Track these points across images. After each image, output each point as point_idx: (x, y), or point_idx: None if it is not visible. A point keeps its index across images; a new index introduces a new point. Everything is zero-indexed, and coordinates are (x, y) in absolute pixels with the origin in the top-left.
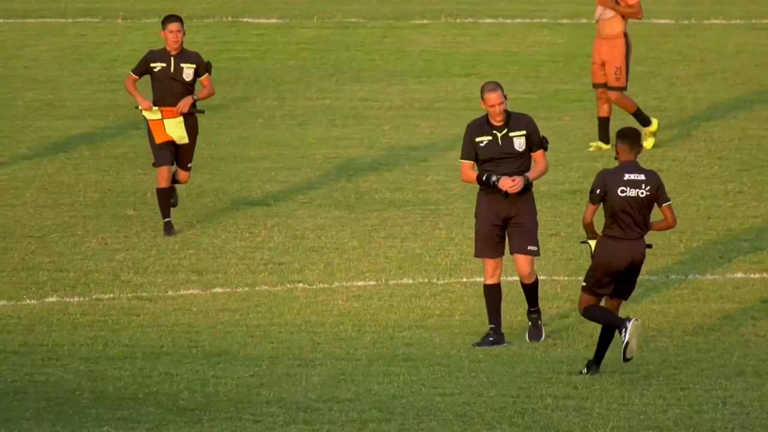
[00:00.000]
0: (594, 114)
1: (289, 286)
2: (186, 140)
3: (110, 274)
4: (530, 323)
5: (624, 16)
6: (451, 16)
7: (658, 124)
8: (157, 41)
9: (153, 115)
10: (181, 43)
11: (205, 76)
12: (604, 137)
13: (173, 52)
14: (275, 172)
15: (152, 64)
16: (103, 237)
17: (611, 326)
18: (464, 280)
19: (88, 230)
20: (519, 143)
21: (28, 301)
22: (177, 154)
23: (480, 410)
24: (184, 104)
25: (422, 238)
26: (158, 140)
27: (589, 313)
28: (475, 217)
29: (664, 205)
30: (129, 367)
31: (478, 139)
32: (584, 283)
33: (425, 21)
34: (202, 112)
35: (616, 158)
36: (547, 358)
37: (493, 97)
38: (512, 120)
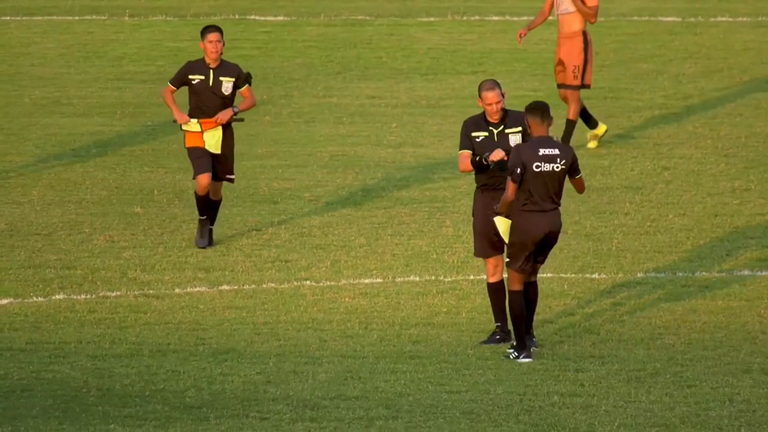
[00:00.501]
0: (600, 112)
1: (295, 283)
2: (218, 150)
3: (117, 272)
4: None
5: (580, 13)
6: (457, 13)
7: (606, 129)
8: (163, 38)
9: (191, 127)
10: (221, 53)
11: (245, 87)
12: (592, 124)
13: (212, 64)
14: (282, 170)
15: (191, 76)
16: (110, 234)
17: (519, 332)
18: (471, 277)
19: (95, 228)
20: (514, 140)
21: (35, 298)
22: (214, 167)
23: (487, 407)
24: (224, 115)
25: (429, 235)
26: (188, 144)
27: (515, 302)
28: (473, 216)
29: (576, 177)
30: (136, 364)
31: (474, 134)
32: (508, 260)
33: (432, 18)
34: (242, 119)
35: (528, 133)
36: (554, 356)
37: (490, 95)
38: (509, 117)
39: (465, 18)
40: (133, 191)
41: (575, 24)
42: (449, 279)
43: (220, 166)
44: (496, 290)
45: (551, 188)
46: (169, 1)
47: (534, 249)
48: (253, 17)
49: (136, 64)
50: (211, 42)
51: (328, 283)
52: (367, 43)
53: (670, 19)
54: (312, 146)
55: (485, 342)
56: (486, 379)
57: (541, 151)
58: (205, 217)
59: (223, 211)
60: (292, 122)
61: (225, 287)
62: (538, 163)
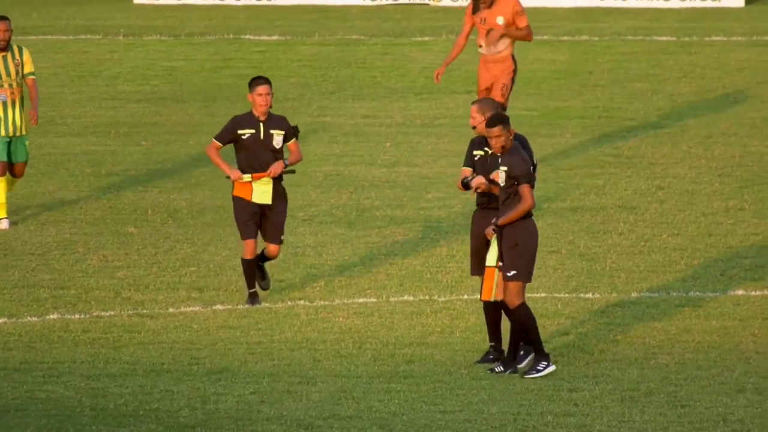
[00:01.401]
0: (595, 131)
1: (289, 303)
2: (269, 201)
3: (111, 292)
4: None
5: (514, 39)
6: (452, 33)
7: None
8: (158, 58)
9: (244, 180)
10: (270, 106)
11: (292, 141)
12: None
13: (262, 117)
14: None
15: (240, 131)
16: (104, 254)
17: (536, 346)
18: (465, 297)
19: (89, 247)
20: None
21: (29, 318)
22: (263, 227)
23: (481, 427)
24: (276, 168)
25: (423, 255)
26: (236, 192)
27: (527, 314)
28: (471, 234)
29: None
30: (130, 384)
31: (474, 153)
32: (515, 272)
33: (426, 38)
34: (294, 171)
35: (493, 147)
36: (548, 375)
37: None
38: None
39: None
40: (127, 211)
41: (506, 49)
42: (443, 299)
43: (270, 225)
44: (492, 309)
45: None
46: (164, 21)
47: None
48: (247, 37)
49: (131, 84)
50: (260, 95)
51: (322, 302)
52: (361, 63)
53: (664, 38)
54: (306, 165)
55: (479, 362)
56: (480, 398)
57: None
58: (254, 290)
59: (216, 231)
60: None
61: (219, 307)
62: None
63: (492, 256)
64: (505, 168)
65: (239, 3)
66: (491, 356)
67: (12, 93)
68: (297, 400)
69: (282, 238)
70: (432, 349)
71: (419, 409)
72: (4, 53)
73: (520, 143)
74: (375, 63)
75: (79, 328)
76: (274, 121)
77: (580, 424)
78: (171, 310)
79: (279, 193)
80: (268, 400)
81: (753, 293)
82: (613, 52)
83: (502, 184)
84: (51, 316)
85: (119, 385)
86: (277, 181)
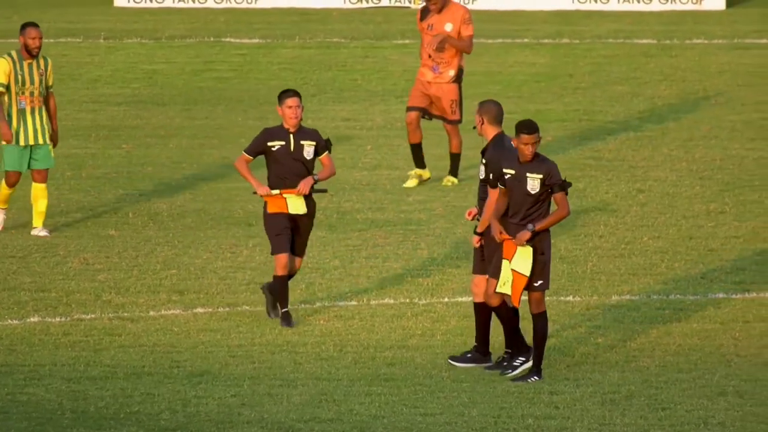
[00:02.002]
0: (575, 134)
1: None
2: (304, 209)
3: (92, 294)
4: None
5: (457, 50)
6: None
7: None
8: (138, 61)
9: (273, 194)
10: (300, 119)
11: (324, 154)
12: (420, 164)
13: (292, 129)
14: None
15: (270, 143)
16: (85, 257)
17: (540, 351)
18: (446, 300)
19: (70, 250)
20: (480, 171)
21: (9, 321)
22: (294, 239)
23: (461, 430)
24: (305, 185)
25: (404, 258)
26: (271, 209)
27: (545, 323)
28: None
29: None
30: (110, 387)
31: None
32: (542, 281)
33: (407, 41)
34: (325, 190)
35: (526, 154)
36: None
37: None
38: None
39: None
40: (107, 214)
41: (453, 73)
42: (424, 301)
43: (300, 239)
44: (484, 311)
45: None
46: (144, 24)
47: None
48: (228, 40)
49: (111, 87)
50: (290, 107)
51: (302, 305)
52: (342, 66)
53: (645, 41)
54: None
55: (457, 360)
56: (460, 401)
57: None
58: (287, 309)
59: (197, 234)
60: None
61: (199, 310)
62: None
63: (526, 264)
64: (540, 176)
65: (219, 6)
66: (469, 355)
67: (32, 101)
68: (278, 403)
69: (303, 258)
70: (412, 352)
71: (400, 411)
72: (30, 61)
73: (488, 152)
74: (356, 66)
75: (60, 331)
76: (304, 133)
77: (560, 427)
78: (152, 313)
79: (309, 211)
80: (249, 403)
81: (734, 296)
82: (593, 56)
83: (533, 192)
84: (31, 319)
85: (100, 388)
86: (308, 197)
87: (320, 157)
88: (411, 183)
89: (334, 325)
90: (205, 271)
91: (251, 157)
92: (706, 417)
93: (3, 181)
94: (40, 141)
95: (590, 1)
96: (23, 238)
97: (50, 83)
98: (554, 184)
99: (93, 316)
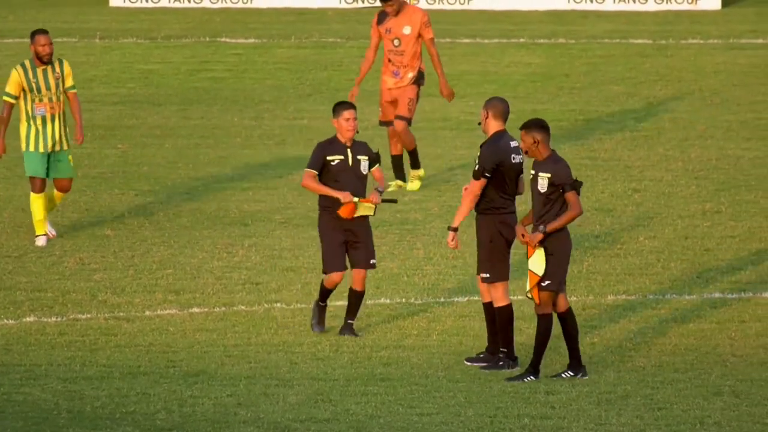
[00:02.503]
0: (571, 134)
1: (266, 305)
2: (373, 212)
3: (88, 294)
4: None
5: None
6: None
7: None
8: (134, 60)
9: (354, 201)
10: (356, 131)
11: (376, 167)
12: (400, 175)
13: (348, 143)
14: (253, 192)
15: (329, 157)
16: (81, 257)
17: (539, 351)
18: (442, 300)
19: (66, 250)
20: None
21: (5, 320)
22: (352, 253)
23: (457, 430)
24: (376, 196)
25: (400, 257)
26: (342, 211)
27: (548, 325)
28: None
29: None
30: (106, 386)
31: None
32: (549, 282)
33: None
34: (395, 201)
35: (526, 152)
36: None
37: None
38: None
39: (436, 40)
40: (103, 214)
41: (412, 77)
42: (420, 301)
43: (363, 247)
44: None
45: None
46: (140, 24)
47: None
48: (224, 39)
49: (107, 87)
50: (347, 120)
51: (298, 305)
52: (338, 66)
53: (641, 41)
54: (283, 168)
55: (472, 361)
56: (456, 401)
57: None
58: (325, 304)
59: (192, 233)
60: (262, 144)
61: (195, 310)
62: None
63: (541, 264)
64: (549, 175)
65: (215, 6)
66: (501, 362)
67: (51, 107)
68: (274, 403)
69: (373, 261)
70: (409, 352)
71: (396, 411)
72: (44, 66)
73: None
74: (351, 66)
75: (56, 331)
76: (358, 146)
77: (556, 426)
78: (147, 313)
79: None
80: (245, 402)
81: (730, 296)
82: (589, 55)
83: (543, 191)
84: (27, 319)
85: (96, 388)
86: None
87: (372, 170)
88: (413, 186)
89: (330, 324)
90: (201, 270)
91: (317, 171)
92: (702, 417)
93: (32, 194)
94: (57, 148)
95: (586, 1)
96: (19, 238)
97: (69, 84)
98: (564, 184)
99: (89, 315)
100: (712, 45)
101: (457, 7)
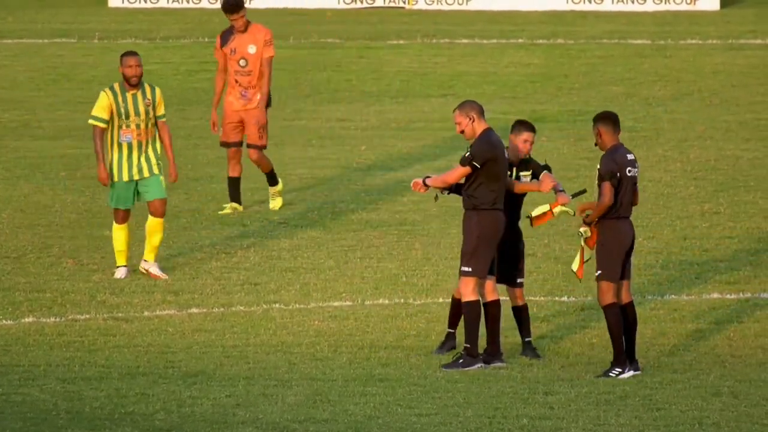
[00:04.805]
0: (570, 134)
1: (265, 306)
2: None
3: (86, 295)
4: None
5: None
6: (427, 36)
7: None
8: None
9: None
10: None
11: (544, 173)
12: (236, 197)
13: (516, 161)
14: (251, 193)
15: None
16: (80, 257)
17: (620, 344)
18: (441, 300)
19: (65, 251)
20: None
21: (4, 321)
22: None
23: (456, 431)
24: (564, 196)
25: (398, 258)
26: (540, 222)
27: (614, 316)
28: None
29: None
30: (105, 387)
31: None
32: (600, 272)
33: (401, 41)
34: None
35: (596, 144)
36: (524, 379)
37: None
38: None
39: (434, 41)
40: (102, 214)
41: (260, 99)
42: (418, 302)
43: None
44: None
45: (632, 193)
46: (139, 24)
47: (624, 257)
48: None
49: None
50: (526, 141)
51: (297, 306)
52: (336, 66)
53: (639, 41)
54: (281, 169)
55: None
56: (455, 402)
57: (629, 156)
58: (530, 339)
59: (191, 234)
60: None
61: (194, 310)
62: (630, 168)
63: (587, 251)
64: (598, 166)
65: (214, 6)
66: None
67: (139, 134)
68: (272, 404)
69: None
70: (407, 352)
71: (395, 412)
72: (134, 91)
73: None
74: (350, 66)
75: (55, 332)
76: (524, 163)
77: (555, 427)
78: (146, 313)
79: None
80: (244, 403)
81: (728, 296)
82: (588, 56)
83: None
84: (26, 320)
85: (95, 389)
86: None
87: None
88: (276, 203)
89: (329, 325)
90: (199, 271)
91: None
92: (700, 417)
93: (114, 224)
94: (146, 174)
95: (585, 2)
96: (17, 238)
97: (160, 112)
98: (599, 175)
99: (87, 316)
100: (710, 45)
101: (456, 7)
